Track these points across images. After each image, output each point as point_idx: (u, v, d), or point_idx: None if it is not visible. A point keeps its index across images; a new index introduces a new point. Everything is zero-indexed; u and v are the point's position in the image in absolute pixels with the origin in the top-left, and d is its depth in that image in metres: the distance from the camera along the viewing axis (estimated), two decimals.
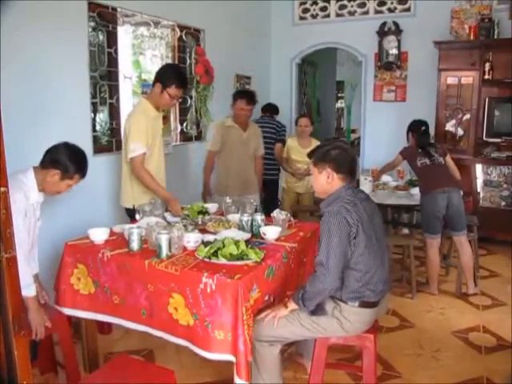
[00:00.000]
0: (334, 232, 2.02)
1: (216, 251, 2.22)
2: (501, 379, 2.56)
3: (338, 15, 5.92)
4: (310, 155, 2.29)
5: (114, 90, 3.89)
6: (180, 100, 3.20)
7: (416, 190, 3.98)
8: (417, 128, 3.89)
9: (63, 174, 2.22)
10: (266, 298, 2.24)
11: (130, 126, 2.89)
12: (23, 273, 2.10)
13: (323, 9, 5.98)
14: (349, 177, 2.19)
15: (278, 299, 2.36)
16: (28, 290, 2.09)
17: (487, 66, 4.86)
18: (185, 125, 4.83)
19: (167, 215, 2.86)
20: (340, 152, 2.19)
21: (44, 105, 3.13)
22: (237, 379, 1.99)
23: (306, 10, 6.09)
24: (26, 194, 2.14)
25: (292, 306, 2.14)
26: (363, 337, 2.15)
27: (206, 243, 2.36)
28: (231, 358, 2.01)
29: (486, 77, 4.88)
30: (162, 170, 3.13)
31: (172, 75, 2.96)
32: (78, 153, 2.30)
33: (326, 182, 2.19)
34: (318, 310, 2.11)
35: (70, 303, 2.44)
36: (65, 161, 2.22)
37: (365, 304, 2.10)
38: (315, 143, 4.20)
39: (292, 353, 2.71)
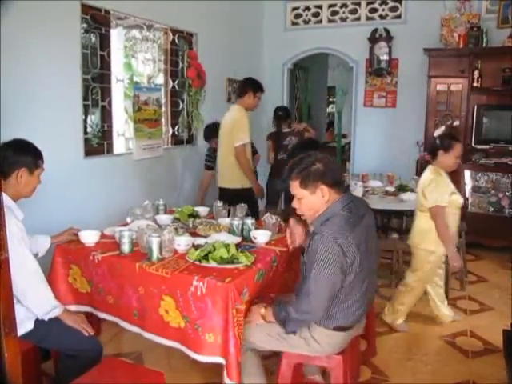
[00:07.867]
0: (327, 263, 1.80)
1: (207, 254, 2.24)
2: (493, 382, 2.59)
3: (330, 21, 5.96)
4: (290, 176, 1.96)
5: (106, 93, 3.89)
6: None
7: (406, 195, 4.00)
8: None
9: (28, 167, 2.07)
10: (254, 301, 2.25)
11: (238, 122, 3.69)
12: (50, 296, 2.07)
13: (315, 14, 6.03)
14: (341, 187, 1.98)
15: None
16: (59, 309, 2.08)
17: (476, 73, 4.92)
18: (176, 128, 4.83)
19: (158, 218, 2.87)
20: (327, 162, 1.94)
21: (35, 106, 3.12)
22: (227, 380, 2.00)
23: (298, 16, 6.13)
24: (16, 216, 2.03)
25: (271, 319, 2.03)
26: (332, 358, 2.03)
27: (196, 246, 2.37)
28: (221, 360, 2.03)
29: (475, 84, 4.95)
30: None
31: (257, 84, 3.91)
32: (22, 142, 2.11)
33: (320, 202, 1.94)
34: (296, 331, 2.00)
35: (72, 300, 2.48)
36: (20, 156, 2.05)
37: (338, 328, 1.97)
38: None
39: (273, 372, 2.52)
